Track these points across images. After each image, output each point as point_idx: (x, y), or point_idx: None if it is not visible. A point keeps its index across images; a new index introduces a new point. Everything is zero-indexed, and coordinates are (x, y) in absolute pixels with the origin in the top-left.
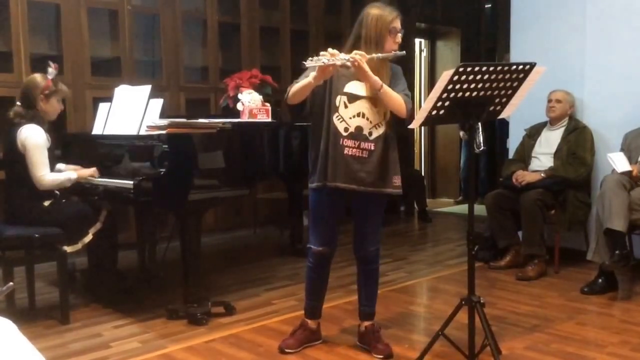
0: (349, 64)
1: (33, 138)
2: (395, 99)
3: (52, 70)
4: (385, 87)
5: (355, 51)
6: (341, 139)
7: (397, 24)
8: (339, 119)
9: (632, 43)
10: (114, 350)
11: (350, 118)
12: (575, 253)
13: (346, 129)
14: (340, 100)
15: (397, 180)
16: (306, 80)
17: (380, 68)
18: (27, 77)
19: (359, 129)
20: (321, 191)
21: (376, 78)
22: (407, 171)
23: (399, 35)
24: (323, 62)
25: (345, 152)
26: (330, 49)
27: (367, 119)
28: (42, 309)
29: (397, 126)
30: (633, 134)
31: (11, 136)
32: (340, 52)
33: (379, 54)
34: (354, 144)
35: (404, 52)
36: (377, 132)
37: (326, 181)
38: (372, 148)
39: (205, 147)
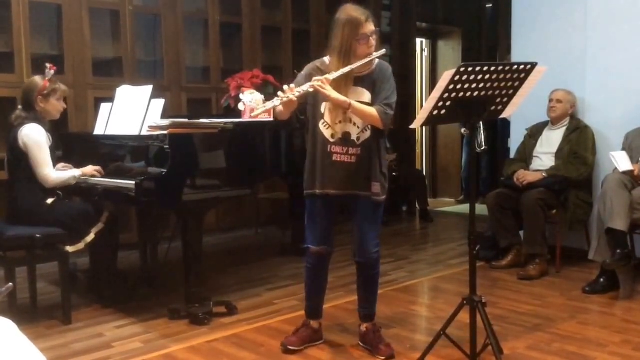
0: (311, 90)
1: (34, 136)
2: (368, 114)
3: (49, 71)
4: (354, 105)
5: (314, 77)
6: (329, 146)
7: (368, 28)
8: (325, 126)
9: (633, 42)
10: (116, 351)
11: (337, 124)
12: (576, 252)
13: (333, 135)
14: (325, 106)
15: (375, 187)
16: (278, 109)
17: (343, 82)
18: (27, 80)
19: (346, 134)
20: (313, 197)
21: (343, 98)
22: (408, 171)
23: (371, 39)
24: (274, 104)
25: (334, 158)
26: (285, 86)
27: (355, 123)
28: (44, 309)
29: (378, 135)
30: (634, 134)
31: (12, 136)
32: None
33: (347, 68)
34: (342, 149)
35: (383, 50)
36: (365, 137)
37: (315, 189)
38: (359, 152)
39: (206, 147)
